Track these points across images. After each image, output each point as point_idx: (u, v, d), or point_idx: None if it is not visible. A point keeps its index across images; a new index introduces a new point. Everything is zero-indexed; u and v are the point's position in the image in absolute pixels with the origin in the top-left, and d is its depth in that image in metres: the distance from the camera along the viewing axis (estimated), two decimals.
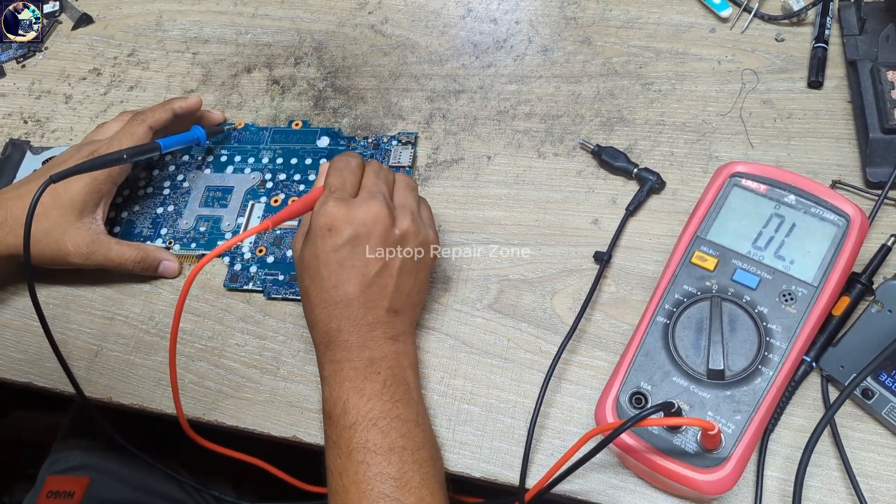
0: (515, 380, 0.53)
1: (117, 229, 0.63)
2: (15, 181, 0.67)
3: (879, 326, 0.47)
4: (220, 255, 0.60)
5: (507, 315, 0.55)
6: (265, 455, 0.58)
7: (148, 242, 0.61)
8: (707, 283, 0.48)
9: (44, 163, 0.67)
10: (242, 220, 0.61)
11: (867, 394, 0.47)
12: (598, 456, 0.44)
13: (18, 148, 0.69)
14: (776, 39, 0.62)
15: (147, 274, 0.60)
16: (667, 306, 0.48)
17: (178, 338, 0.58)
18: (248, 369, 0.56)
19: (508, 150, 0.62)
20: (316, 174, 0.63)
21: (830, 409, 0.46)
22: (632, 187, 0.58)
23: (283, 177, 0.63)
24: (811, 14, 0.62)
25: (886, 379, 0.47)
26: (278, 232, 0.60)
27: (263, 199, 0.62)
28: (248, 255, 0.60)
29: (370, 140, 0.64)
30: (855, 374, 0.46)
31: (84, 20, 0.78)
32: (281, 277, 0.58)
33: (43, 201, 0.55)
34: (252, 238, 0.60)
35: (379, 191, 0.50)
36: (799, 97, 0.59)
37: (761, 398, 0.45)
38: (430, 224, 0.53)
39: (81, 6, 0.79)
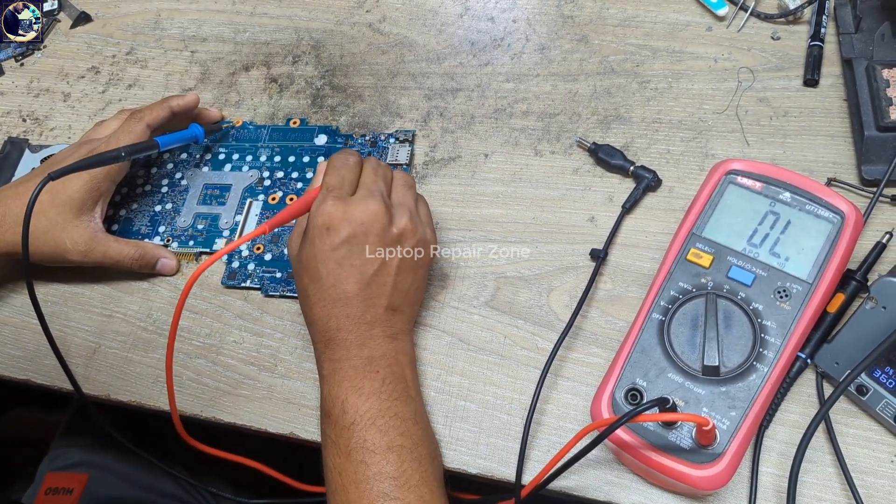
0: (512, 376, 0.53)
1: (115, 227, 0.63)
2: (13, 179, 0.67)
3: (874, 323, 0.48)
4: None
5: (504, 312, 0.55)
6: (262, 455, 0.58)
7: (146, 240, 0.62)
8: (702, 280, 0.48)
9: (42, 161, 0.67)
10: (240, 218, 0.61)
11: (861, 390, 0.47)
12: (593, 452, 0.44)
13: (17, 146, 0.69)
14: (772, 38, 0.63)
15: (145, 271, 0.60)
16: (662, 303, 0.48)
17: (177, 335, 0.58)
18: (246, 366, 0.56)
19: (505, 147, 0.62)
20: (314, 172, 0.63)
21: (825, 405, 0.46)
22: (628, 185, 0.58)
23: (280, 175, 0.63)
24: (807, 12, 0.63)
25: (881, 375, 0.47)
26: (276, 230, 0.60)
27: (261, 196, 0.62)
28: (245, 253, 0.60)
29: (368, 138, 0.64)
30: (849, 371, 0.46)
31: (83, 18, 0.78)
32: (278, 275, 0.58)
33: (41, 199, 0.55)
34: None
35: (377, 189, 0.50)
36: (795, 95, 0.60)
37: (756, 394, 0.45)
38: (428, 222, 0.53)
39: (80, 5, 0.79)
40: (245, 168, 0.64)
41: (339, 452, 0.46)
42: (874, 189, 0.54)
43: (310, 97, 0.68)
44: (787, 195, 0.49)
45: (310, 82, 0.69)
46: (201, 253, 0.61)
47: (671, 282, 0.49)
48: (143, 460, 0.77)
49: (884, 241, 0.51)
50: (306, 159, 0.64)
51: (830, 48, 0.61)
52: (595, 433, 0.43)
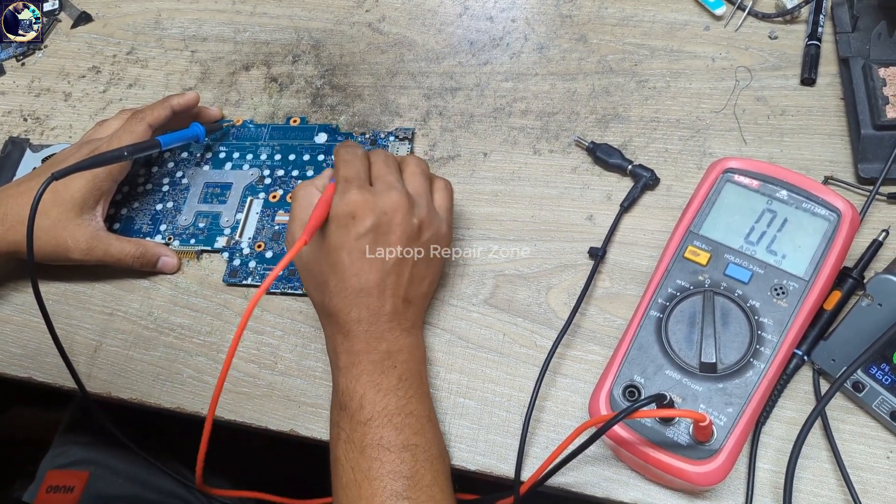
0: (511, 374, 0.53)
1: (117, 226, 0.64)
2: (14, 179, 0.67)
3: (870, 320, 0.48)
4: (220, 251, 0.61)
5: (503, 310, 0.55)
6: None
7: (147, 239, 0.62)
8: (700, 278, 0.49)
9: (43, 160, 0.68)
10: (241, 216, 0.62)
11: (858, 387, 0.47)
12: (592, 449, 0.44)
13: (18, 146, 0.70)
14: (770, 37, 0.63)
15: (146, 269, 0.60)
16: (660, 300, 0.49)
17: (177, 333, 0.59)
18: (246, 364, 0.57)
19: (504, 146, 0.62)
20: (314, 171, 0.63)
21: (821, 401, 0.47)
22: (626, 183, 0.59)
23: (281, 173, 0.64)
24: (804, 12, 0.63)
25: (876, 372, 0.47)
26: (277, 227, 0.61)
27: (262, 195, 0.63)
28: (246, 251, 0.60)
29: (367, 136, 0.64)
30: (846, 368, 0.46)
31: (83, 18, 0.78)
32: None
33: (44, 198, 0.55)
34: (251, 233, 0.61)
35: (395, 179, 0.51)
36: (792, 94, 0.60)
37: (753, 391, 0.45)
38: (446, 214, 0.53)
39: (81, 4, 0.79)
40: (246, 166, 0.65)
41: (353, 447, 0.47)
42: (871, 187, 0.54)
43: (310, 96, 0.68)
44: (783, 193, 0.50)
45: (309, 81, 0.69)
46: (202, 251, 0.61)
47: (669, 279, 0.49)
48: (144, 458, 0.77)
49: (880, 238, 0.52)
50: (306, 157, 0.64)
51: (827, 47, 0.61)
52: (593, 429, 0.43)
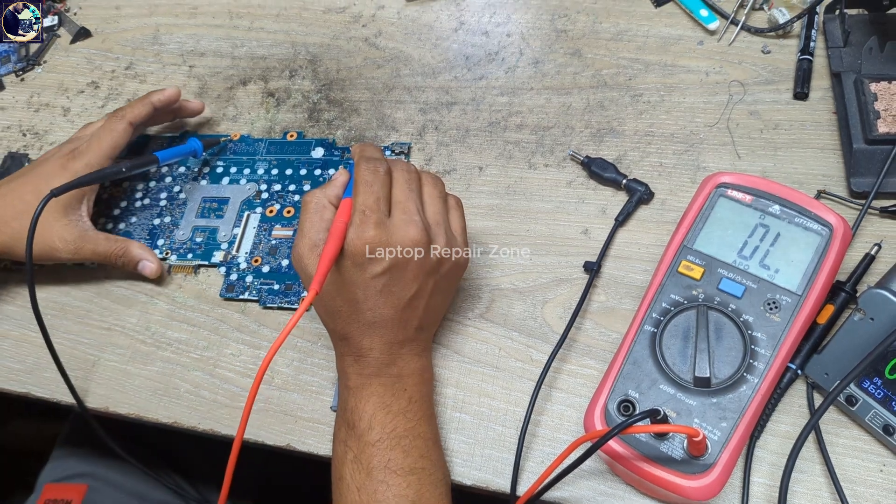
0: (506, 388, 0.53)
1: None
2: None
3: (862, 334, 0.48)
4: (217, 266, 0.61)
5: (499, 324, 0.56)
6: None
7: (141, 241, 0.62)
8: (694, 292, 0.49)
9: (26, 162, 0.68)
10: (238, 231, 0.62)
11: (851, 400, 0.48)
12: (587, 463, 0.45)
13: (17, 161, 0.70)
14: (763, 52, 0.63)
15: (128, 269, 0.61)
16: (654, 315, 0.49)
17: (175, 348, 0.59)
18: (243, 379, 0.57)
19: (500, 161, 0.63)
20: (311, 185, 0.64)
21: (815, 415, 0.47)
22: (621, 197, 0.59)
23: (278, 187, 0.64)
24: (797, 27, 0.64)
25: (869, 386, 0.47)
26: (274, 242, 0.61)
27: (259, 209, 0.63)
28: (244, 266, 0.61)
29: None
30: (839, 381, 0.46)
31: (82, 34, 0.79)
32: (276, 287, 0.59)
33: (28, 200, 0.57)
34: (248, 248, 0.61)
35: (415, 209, 0.48)
36: (785, 108, 0.60)
37: (746, 405, 0.45)
38: (462, 236, 0.51)
39: (80, 20, 0.80)
40: (243, 181, 0.65)
41: (360, 468, 0.46)
42: (863, 201, 0.54)
43: (306, 111, 0.69)
44: (776, 208, 0.50)
45: (306, 96, 0.70)
46: (200, 265, 0.62)
47: (663, 294, 0.50)
48: (142, 470, 0.77)
49: (872, 252, 0.52)
50: (303, 172, 0.64)
51: (820, 62, 0.62)
52: (588, 444, 0.44)
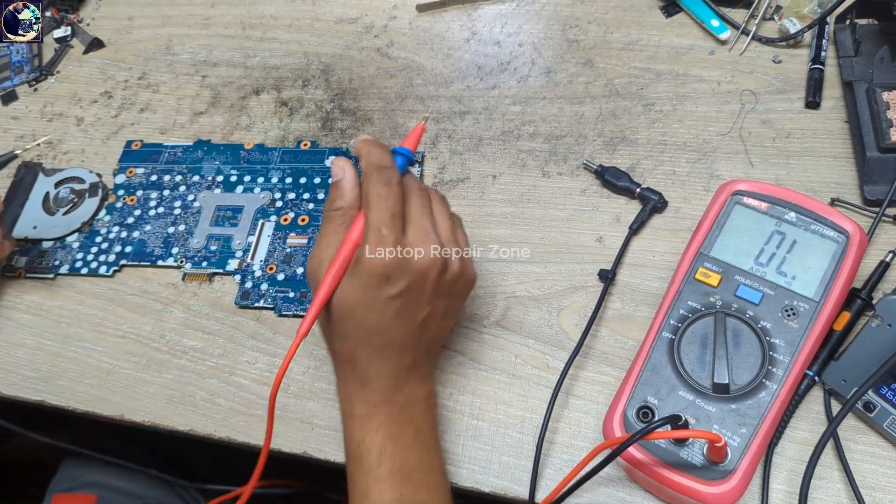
0: (523, 395, 0.53)
1: (129, 249, 0.64)
2: (27, 203, 0.68)
3: (880, 340, 0.49)
4: (232, 274, 0.61)
5: (514, 332, 0.56)
6: None
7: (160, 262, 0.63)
8: (711, 299, 0.49)
9: (56, 184, 0.68)
10: (253, 239, 0.62)
11: (869, 407, 0.48)
12: (606, 470, 0.45)
13: (31, 170, 0.70)
14: (774, 61, 0.64)
15: None
16: (672, 322, 0.49)
17: (190, 356, 0.59)
18: (259, 386, 0.57)
19: (513, 169, 0.63)
20: (325, 193, 0.64)
21: (833, 422, 0.47)
22: (635, 205, 0.59)
23: (292, 196, 0.64)
24: (807, 37, 0.64)
25: (887, 392, 0.47)
26: (288, 250, 0.61)
27: (273, 217, 0.63)
28: (258, 273, 0.61)
29: None
30: (856, 388, 0.47)
31: (95, 44, 0.79)
32: (291, 294, 0.59)
33: None
34: (263, 256, 0.61)
35: (430, 227, 0.46)
36: (797, 117, 0.61)
37: (766, 411, 0.46)
38: (467, 244, 0.49)
39: (92, 31, 0.80)
40: (257, 189, 0.65)
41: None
42: (877, 209, 0.55)
43: (320, 120, 0.69)
44: (792, 215, 0.50)
45: (319, 105, 0.70)
46: (214, 273, 0.62)
47: (680, 301, 0.50)
48: (152, 479, 0.77)
49: (887, 259, 0.52)
50: (317, 180, 0.65)
51: (831, 71, 0.62)
52: (607, 451, 0.44)
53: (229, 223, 0.64)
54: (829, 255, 0.49)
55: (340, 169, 0.48)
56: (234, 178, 0.66)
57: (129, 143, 0.71)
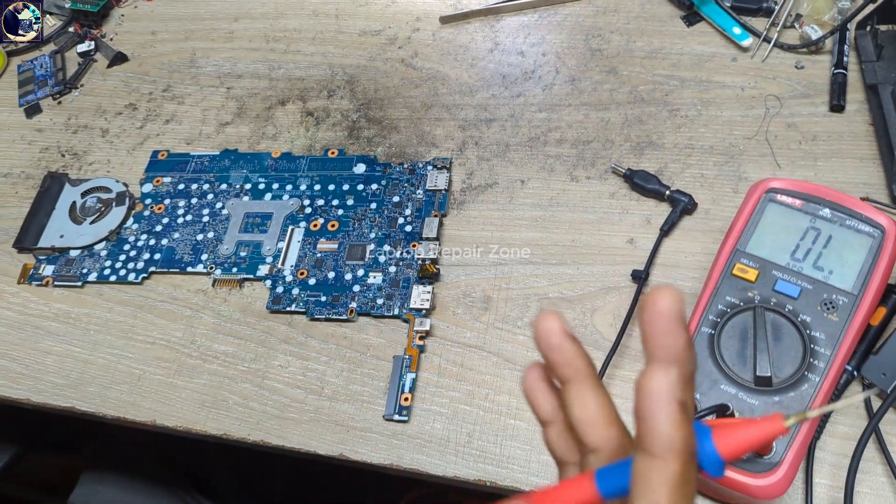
0: None
1: (158, 256, 0.64)
2: (54, 212, 0.68)
3: None
4: (263, 279, 0.61)
5: None
6: None
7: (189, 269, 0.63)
8: (749, 294, 0.49)
9: (83, 194, 0.68)
10: (283, 245, 0.62)
11: None
12: None
13: (57, 180, 0.71)
14: (796, 67, 0.65)
15: None
16: (711, 317, 0.49)
17: (221, 361, 0.59)
18: (292, 389, 0.57)
19: (541, 174, 0.64)
20: (354, 200, 0.64)
21: (875, 416, 0.47)
22: (664, 208, 0.60)
23: (321, 202, 0.65)
24: (828, 43, 0.65)
25: None
26: (319, 255, 0.61)
27: (303, 223, 0.64)
28: (289, 278, 0.61)
29: (406, 166, 0.65)
30: None
31: (119, 58, 0.80)
32: (323, 298, 0.59)
33: None
34: (293, 261, 0.62)
35: None
36: (822, 120, 0.62)
37: (809, 404, 0.46)
38: None
39: (116, 45, 0.81)
40: (286, 196, 0.65)
41: None
42: None
43: (346, 129, 0.70)
44: (826, 211, 0.51)
45: (345, 115, 0.71)
46: (245, 279, 0.62)
47: (718, 296, 0.50)
48: (171, 495, 0.76)
49: None
50: (346, 187, 0.65)
51: (853, 75, 0.63)
52: None
53: (259, 230, 0.64)
54: (865, 250, 0.49)
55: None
56: (262, 186, 0.67)
57: (155, 153, 0.71)
